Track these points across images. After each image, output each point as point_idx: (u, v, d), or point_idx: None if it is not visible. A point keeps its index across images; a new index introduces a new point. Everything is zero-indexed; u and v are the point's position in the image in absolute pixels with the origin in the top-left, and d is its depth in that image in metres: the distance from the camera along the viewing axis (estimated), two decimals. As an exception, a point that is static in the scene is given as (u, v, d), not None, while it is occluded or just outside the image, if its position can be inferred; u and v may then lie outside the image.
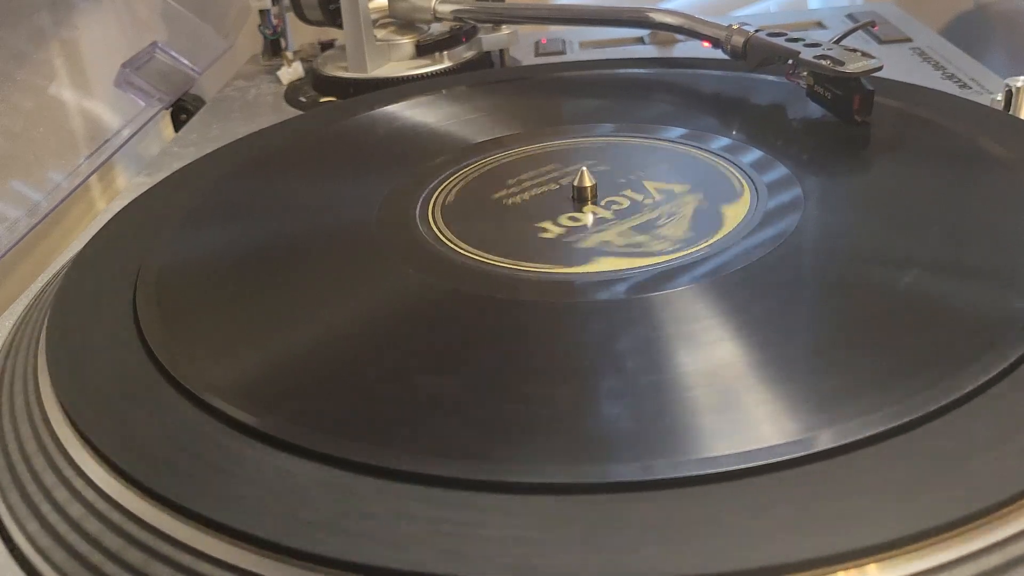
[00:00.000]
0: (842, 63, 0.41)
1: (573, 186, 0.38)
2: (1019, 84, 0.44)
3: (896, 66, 0.57)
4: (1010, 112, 0.44)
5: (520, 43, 0.66)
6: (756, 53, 0.47)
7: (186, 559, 0.22)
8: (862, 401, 0.24)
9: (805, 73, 0.43)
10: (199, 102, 0.67)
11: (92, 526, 0.24)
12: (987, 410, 0.24)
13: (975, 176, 0.37)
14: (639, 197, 0.38)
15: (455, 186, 0.41)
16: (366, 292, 0.33)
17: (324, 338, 0.30)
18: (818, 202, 0.35)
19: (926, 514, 0.21)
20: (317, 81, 0.63)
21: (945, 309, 0.29)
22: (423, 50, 0.61)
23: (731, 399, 0.25)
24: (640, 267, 0.32)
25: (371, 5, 0.61)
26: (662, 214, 0.36)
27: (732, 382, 0.26)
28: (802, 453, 0.23)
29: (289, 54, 0.68)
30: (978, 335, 0.27)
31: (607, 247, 0.34)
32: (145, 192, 0.43)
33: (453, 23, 0.61)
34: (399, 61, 0.61)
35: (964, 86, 0.54)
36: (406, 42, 0.61)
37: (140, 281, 0.34)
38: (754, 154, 0.40)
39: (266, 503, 0.23)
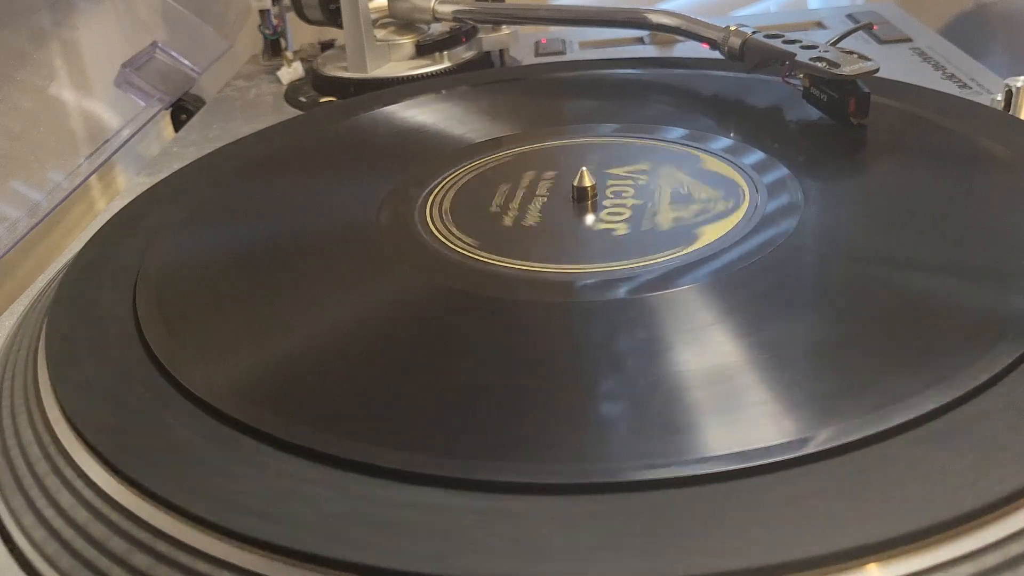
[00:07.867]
0: (838, 65, 0.40)
1: (573, 186, 0.38)
2: (1019, 84, 0.44)
3: (896, 66, 0.57)
4: (1010, 112, 0.44)
5: (520, 43, 0.66)
6: (753, 55, 0.46)
7: (185, 559, 0.22)
8: (862, 401, 0.24)
9: (801, 76, 0.43)
10: (199, 102, 0.67)
11: (84, 519, 0.24)
12: (987, 410, 0.24)
13: (975, 176, 0.37)
14: (638, 198, 0.38)
15: (455, 186, 0.41)
16: (366, 292, 0.33)
17: (324, 338, 0.30)
18: (818, 202, 0.35)
19: (926, 514, 0.21)
20: (317, 81, 0.63)
21: (945, 309, 0.29)
22: (423, 50, 0.61)
23: (731, 399, 0.25)
24: (640, 267, 0.32)
25: (371, 5, 0.61)
26: (661, 214, 0.36)
27: (732, 382, 0.26)
28: (802, 452, 0.23)
29: (289, 54, 0.68)
30: (978, 335, 0.27)
31: (607, 247, 0.34)
32: (145, 192, 0.43)
33: (453, 23, 0.61)
34: (399, 61, 0.61)
35: (964, 86, 0.54)
36: (406, 42, 0.62)
37: (140, 281, 0.34)
38: (754, 154, 0.40)
39: (268, 504, 0.23)
